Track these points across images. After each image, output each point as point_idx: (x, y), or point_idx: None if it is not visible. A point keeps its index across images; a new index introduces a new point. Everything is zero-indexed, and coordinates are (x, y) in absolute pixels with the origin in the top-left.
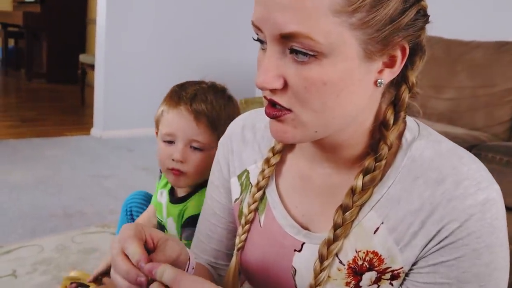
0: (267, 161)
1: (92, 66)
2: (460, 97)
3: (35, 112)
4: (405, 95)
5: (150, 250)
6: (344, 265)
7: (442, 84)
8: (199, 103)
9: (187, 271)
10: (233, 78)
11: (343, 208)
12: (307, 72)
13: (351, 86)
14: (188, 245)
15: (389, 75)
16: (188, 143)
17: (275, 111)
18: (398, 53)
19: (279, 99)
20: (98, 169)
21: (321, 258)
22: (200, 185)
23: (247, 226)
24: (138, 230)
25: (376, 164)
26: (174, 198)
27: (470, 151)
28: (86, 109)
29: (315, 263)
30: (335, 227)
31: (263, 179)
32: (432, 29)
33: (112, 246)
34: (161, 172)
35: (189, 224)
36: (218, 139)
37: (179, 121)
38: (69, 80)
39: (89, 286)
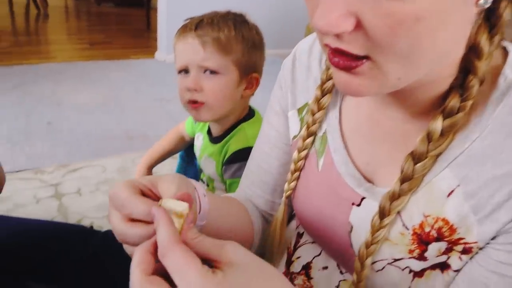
0: (316, 101)
1: None
2: None
3: (103, 35)
4: (505, 13)
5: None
6: (408, 229)
7: None
8: (204, 28)
9: (199, 205)
10: None
11: (415, 156)
12: (392, 6)
13: (451, 16)
14: (233, 184)
15: None
16: (199, 70)
17: (346, 60)
18: None
19: (349, 45)
20: (161, 93)
21: (382, 213)
22: (237, 123)
23: (296, 174)
24: (130, 186)
25: (461, 104)
26: (213, 138)
27: None
28: (151, 33)
29: (374, 217)
30: (403, 178)
31: (313, 123)
32: None
33: (110, 218)
34: None
35: (233, 160)
36: (234, 62)
37: (186, 49)
38: (136, 3)
39: None
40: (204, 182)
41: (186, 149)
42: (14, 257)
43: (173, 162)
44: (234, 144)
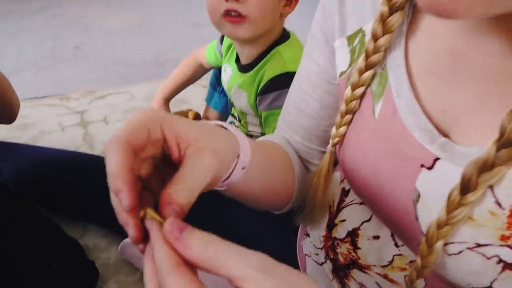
0: (381, 20)
1: None
2: None
3: None
4: None
5: (175, 162)
6: (504, 209)
7: None
8: None
9: (229, 173)
10: None
11: None
12: None
13: None
14: (270, 117)
15: None
16: None
17: None
18: None
19: None
20: (193, 17)
21: (465, 187)
22: (271, 47)
23: (347, 117)
24: (142, 125)
25: None
26: (243, 67)
27: None
28: None
29: (452, 191)
30: (503, 142)
31: (375, 51)
32: None
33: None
34: (221, 41)
35: (270, 88)
36: None
37: None
38: None
39: None
40: (236, 118)
41: (216, 75)
42: (34, 188)
43: (204, 90)
44: (270, 70)
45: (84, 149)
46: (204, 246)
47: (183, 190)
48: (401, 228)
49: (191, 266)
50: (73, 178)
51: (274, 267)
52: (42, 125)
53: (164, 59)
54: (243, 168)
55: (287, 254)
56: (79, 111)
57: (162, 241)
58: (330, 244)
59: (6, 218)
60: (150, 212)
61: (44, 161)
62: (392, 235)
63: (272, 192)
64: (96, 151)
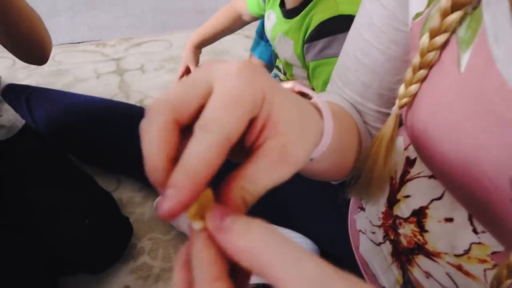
0: None
1: None
2: None
3: None
4: None
5: (244, 144)
6: None
7: None
8: None
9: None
10: None
11: None
12: None
13: None
14: (318, 68)
15: None
16: None
17: None
18: None
19: None
20: None
21: None
22: None
23: (421, 72)
24: (250, 101)
25: None
26: (288, 12)
27: None
28: None
29: None
30: None
31: None
32: None
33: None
34: None
35: (319, 34)
36: None
37: None
38: None
39: None
40: (280, 70)
41: (263, 23)
42: (67, 137)
43: (246, 41)
44: (319, 13)
45: (120, 98)
46: (248, 233)
47: (250, 194)
48: (486, 212)
49: (241, 277)
50: (106, 128)
51: (333, 281)
52: (77, 72)
53: (204, 7)
54: (311, 159)
55: (341, 229)
56: (115, 58)
57: (202, 246)
58: (390, 223)
59: (37, 167)
60: (192, 210)
61: (77, 109)
62: (470, 219)
63: (337, 167)
64: (132, 100)
